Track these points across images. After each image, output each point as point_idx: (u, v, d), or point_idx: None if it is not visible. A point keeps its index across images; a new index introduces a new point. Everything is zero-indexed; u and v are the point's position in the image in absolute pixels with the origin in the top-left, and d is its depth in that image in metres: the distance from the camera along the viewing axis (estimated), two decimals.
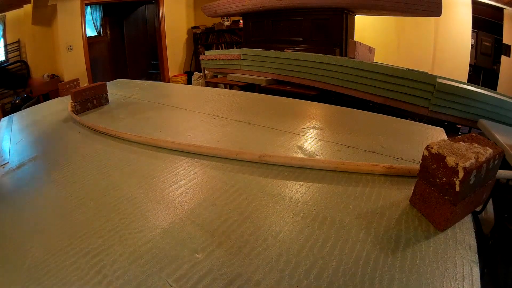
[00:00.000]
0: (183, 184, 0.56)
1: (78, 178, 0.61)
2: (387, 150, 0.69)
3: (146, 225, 0.46)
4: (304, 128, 0.83)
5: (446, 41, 3.68)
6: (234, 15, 4.37)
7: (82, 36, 4.51)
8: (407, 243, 0.41)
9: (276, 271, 0.37)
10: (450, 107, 1.92)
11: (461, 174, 0.38)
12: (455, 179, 0.39)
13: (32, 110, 1.19)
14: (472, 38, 3.62)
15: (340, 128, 0.83)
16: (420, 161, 0.45)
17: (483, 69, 3.75)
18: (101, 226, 0.46)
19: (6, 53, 3.79)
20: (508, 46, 3.53)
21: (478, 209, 0.49)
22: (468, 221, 0.45)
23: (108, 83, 1.14)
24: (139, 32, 5.99)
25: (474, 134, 0.48)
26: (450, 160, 0.39)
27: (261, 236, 0.43)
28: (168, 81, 5.20)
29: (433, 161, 0.42)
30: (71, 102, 1.03)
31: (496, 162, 0.43)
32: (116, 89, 1.26)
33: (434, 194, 0.43)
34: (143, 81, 1.83)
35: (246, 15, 4.04)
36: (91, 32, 5.20)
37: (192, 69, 5.59)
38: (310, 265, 0.38)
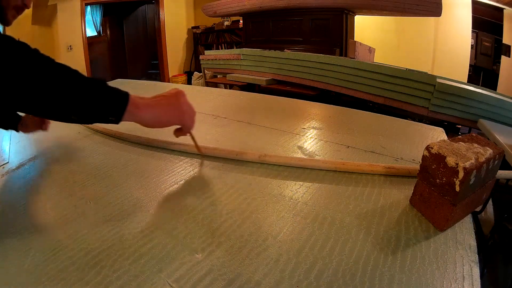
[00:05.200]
0: (183, 184, 0.56)
1: (78, 178, 0.61)
2: (387, 150, 0.69)
3: (146, 225, 0.46)
4: (304, 128, 0.83)
5: (446, 41, 3.68)
6: (234, 15, 4.37)
7: (82, 36, 4.51)
8: (407, 243, 0.41)
9: (276, 271, 0.37)
10: (450, 107, 1.93)
11: (461, 174, 0.38)
12: (455, 179, 0.39)
13: None
14: (472, 38, 3.62)
15: (340, 128, 0.83)
16: (420, 161, 0.45)
17: (483, 69, 3.75)
18: (101, 226, 0.46)
19: None
20: (508, 47, 3.53)
21: (477, 209, 0.49)
22: (468, 221, 0.45)
23: (108, 83, 1.14)
24: (139, 32, 5.99)
25: (474, 134, 0.48)
26: (450, 160, 0.39)
27: (261, 236, 0.43)
28: (168, 81, 5.20)
29: (433, 161, 0.42)
30: None
31: (496, 162, 0.43)
32: None
33: (434, 194, 0.43)
34: (143, 81, 1.83)
35: (246, 15, 4.04)
36: (91, 32, 5.20)
37: (192, 69, 5.58)
38: (310, 265, 0.38)
